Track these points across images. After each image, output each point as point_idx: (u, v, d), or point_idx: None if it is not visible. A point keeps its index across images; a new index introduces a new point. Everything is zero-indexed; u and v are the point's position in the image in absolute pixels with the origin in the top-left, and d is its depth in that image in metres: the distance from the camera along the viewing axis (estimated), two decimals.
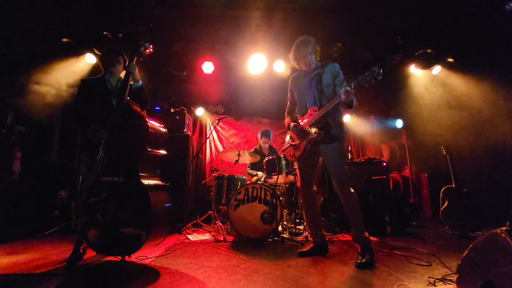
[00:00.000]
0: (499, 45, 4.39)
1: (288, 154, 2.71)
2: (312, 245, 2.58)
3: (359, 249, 2.29)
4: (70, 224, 3.78)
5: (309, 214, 2.67)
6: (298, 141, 2.55)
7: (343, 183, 2.38)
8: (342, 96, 2.18)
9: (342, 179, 2.38)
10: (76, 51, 4.69)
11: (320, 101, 2.46)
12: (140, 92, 2.50)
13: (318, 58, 2.57)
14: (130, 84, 2.37)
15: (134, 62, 2.41)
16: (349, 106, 2.32)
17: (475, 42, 4.54)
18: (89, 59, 4.73)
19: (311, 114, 2.48)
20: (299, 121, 2.61)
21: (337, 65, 2.54)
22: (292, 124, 2.62)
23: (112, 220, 2.01)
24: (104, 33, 4.47)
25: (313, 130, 2.40)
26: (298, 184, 4.66)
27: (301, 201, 4.22)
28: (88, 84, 2.46)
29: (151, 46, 2.54)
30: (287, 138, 2.81)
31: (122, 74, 2.52)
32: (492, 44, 4.43)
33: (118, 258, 2.09)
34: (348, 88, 2.16)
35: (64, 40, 4.50)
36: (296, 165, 3.84)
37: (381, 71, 2.09)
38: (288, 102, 2.85)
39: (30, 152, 4.73)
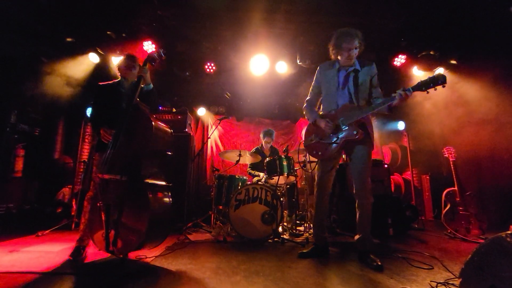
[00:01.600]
0: (503, 47, 4.36)
1: (312, 151, 2.51)
2: (312, 246, 2.56)
3: (371, 254, 2.26)
4: (72, 222, 3.79)
5: (319, 214, 2.56)
6: (333, 140, 2.35)
7: (368, 189, 2.33)
8: (397, 99, 2.09)
9: (368, 184, 2.33)
10: (80, 51, 4.71)
11: (357, 100, 2.35)
12: (151, 95, 2.57)
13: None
14: (141, 87, 2.46)
15: (147, 67, 2.50)
16: (391, 110, 2.24)
17: (479, 44, 4.51)
18: (93, 59, 4.74)
19: (347, 112, 2.33)
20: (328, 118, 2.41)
21: (374, 65, 2.44)
22: (323, 121, 2.40)
23: (113, 218, 2.03)
24: (108, 32, 4.49)
25: (354, 130, 2.27)
26: (299, 185, 4.66)
27: (301, 201, 4.19)
28: (104, 88, 2.58)
29: (163, 55, 2.65)
30: (304, 132, 2.61)
31: None
32: (496, 47, 4.40)
33: (119, 256, 2.09)
34: (408, 93, 2.06)
35: (68, 39, 4.52)
36: (297, 166, 3.83)
37: (445, 79, 1.97)
38: (311, 93, 2.64)
39: (33, 150, 4.75)
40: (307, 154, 3.84)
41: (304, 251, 2.52)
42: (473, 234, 3.35)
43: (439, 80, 1.97)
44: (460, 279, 1.37)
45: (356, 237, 2.39)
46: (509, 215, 2.71)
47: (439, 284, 1.78)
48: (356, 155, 2.37)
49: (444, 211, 3.58)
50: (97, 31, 4.50)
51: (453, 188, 3.58)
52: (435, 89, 2.02)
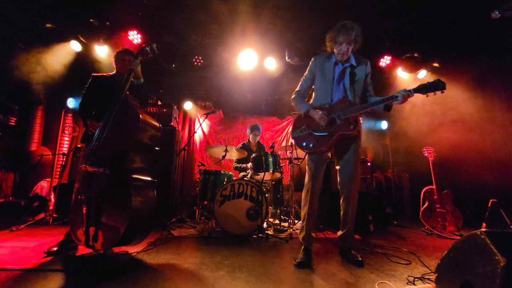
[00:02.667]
0: (484, 51, 4.54)
1: (302, 143, 2.39)
2: (304, 251, 2.31)
3: (352, 250, 2.32)
4: (50, 217, 3.65)
5: (312, 212, 2.39)
6: (326, 133, 2.28)
7: (356, 187, 2.34)
8: (399, 99, 2.07)
9: (357, 180, 2.35)
10: (61, 38, 4.50)
11: (352, 95, 2.32)
12: (141, 89, 2.57)
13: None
14: (132, 80, 2.44)
15: (138, 60, 2.50)
16: (389, 109, 2.26)
17: (461, 48, 4.67)
18: (74, 47, 4.55)
19: (343, 106, 2.27)
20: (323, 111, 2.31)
21: (369, 63, 2.43)
22: (318, 113, 2.30)
23: (94, 212, 1.99)
24: (91, 20, 4.31)
25: (350, 124, 2.23)
26: (285, 181, 4.70)
27: (286, 197, 4.21)
28: (97, 79, 2.56)
29: (156, 49, 2.63)
30: (292, 123, 2.55)
31: None
32: (477, 51, 4.57)
33: (100, 251, 2.04)
34: (409, 93, 2.08)
35: (48, 25, 4.30)
36: (283, 162, 3.85)
37: (445, 85, 2.02)
38: (303, 84, 2.52)
39: (9, 141, 4.53)
40: (294, 151, 3.87)
41: (302, 260, 2.19)
42: (448, 231, 3.49)
43: (439, 86, 2.04)
44: (436, 274, 1.43)
45: (339, 233, 2.42)
46: (482, 213, 2.85)
47: (416, 279, 1.85)
48: (348, 151, 2.35)
49: (422, 209, 3.71)
50: (79, 18, 4.31)
51: (431, 186, 3.72)
52: (435, 94, 2.06)
